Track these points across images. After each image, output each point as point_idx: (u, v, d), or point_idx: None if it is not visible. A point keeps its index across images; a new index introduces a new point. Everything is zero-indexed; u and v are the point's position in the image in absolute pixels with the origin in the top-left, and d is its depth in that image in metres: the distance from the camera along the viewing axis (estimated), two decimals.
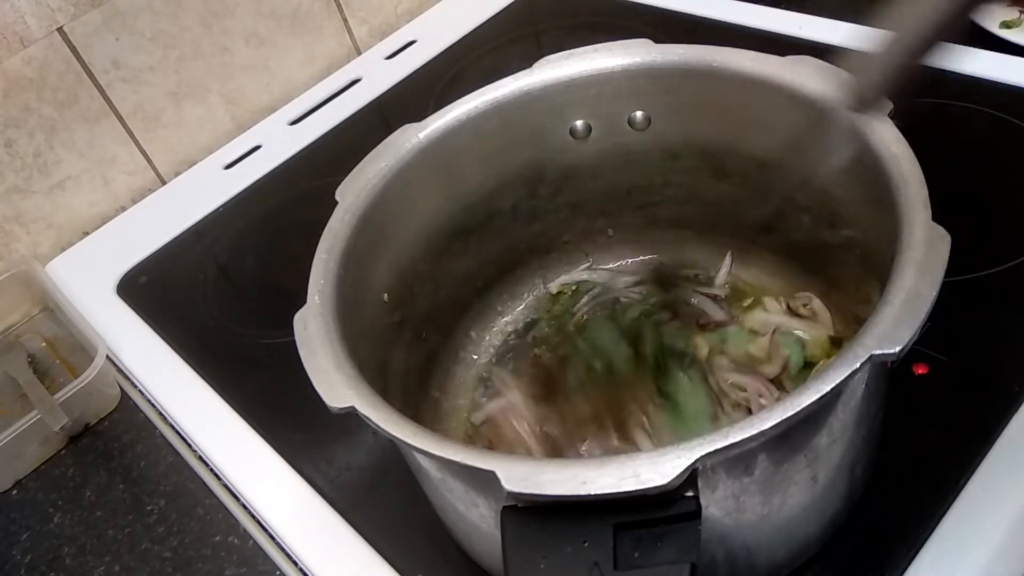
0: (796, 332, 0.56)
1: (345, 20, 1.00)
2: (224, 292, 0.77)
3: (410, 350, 0.56)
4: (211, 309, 0.75)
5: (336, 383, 0.41)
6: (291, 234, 0.79)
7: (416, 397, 0.57)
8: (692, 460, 0.33)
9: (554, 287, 0.65)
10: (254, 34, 0.93)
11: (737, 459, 0.37)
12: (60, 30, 0.80)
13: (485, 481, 0.35)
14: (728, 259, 0.62)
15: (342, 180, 0.52)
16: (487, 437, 0.56)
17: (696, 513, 0.34)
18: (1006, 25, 0.78)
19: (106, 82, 0.84)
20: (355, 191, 0.51)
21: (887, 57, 0.39)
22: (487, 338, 0.63)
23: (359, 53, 1.03)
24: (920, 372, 0.54)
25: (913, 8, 0.37)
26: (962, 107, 0.71)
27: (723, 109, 0.54)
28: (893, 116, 0.44)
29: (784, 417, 0.34)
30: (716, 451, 0.33)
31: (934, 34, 0.38)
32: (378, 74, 0.97)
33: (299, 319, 0.45)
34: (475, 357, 0.62)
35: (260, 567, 0.56)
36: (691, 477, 0.33)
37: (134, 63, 0.86)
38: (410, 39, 1.01)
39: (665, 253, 0.64)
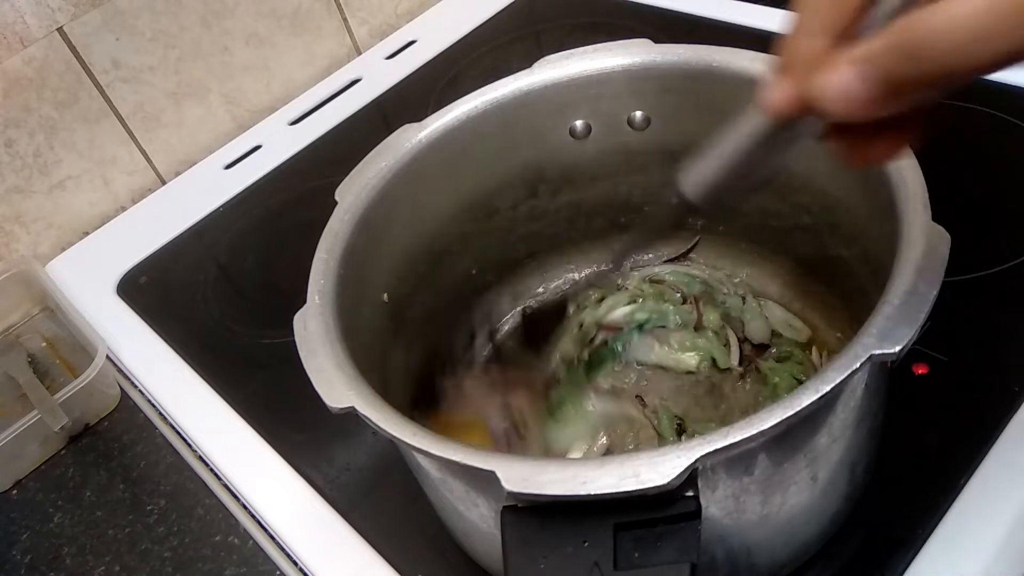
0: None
1: (345, 20, 1.01)
2: (224, 292, 0.77)
3: (410, 350, 0.56)
4: (211, 309, 0.75)
5: (336, 383, 0.41)
6: (291, 234, 0.79)
7: (416, 397, 0.57)
8: (692, 460, 0.33)
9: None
10: (254, 34, 0.93)
11: (737, 459, 0.37)
12: (60, 30, 0.80)
13: (485, 481, 0.35)
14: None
15: (342, 180, 0.52)
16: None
17: (696, 513, 0.34)
18: None
19: (106, 82, 0.84)
20: (355, 191, 0.51)
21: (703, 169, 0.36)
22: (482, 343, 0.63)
23: (359, 53, 1.03)
24: (920, 372, 0.54)
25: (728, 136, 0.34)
26: (962, 107, 0.71)
27: (723, 109, 0.53)
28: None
29: (784, 417, 0.34)
30: (716, 451, 0.33)
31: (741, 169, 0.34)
32: (378, 74, 0.97)
33: (299, 319, 0.45)
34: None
35: (260, 567, 0.56)
36: (691, 477, 0.33)
37: (134, 63, 0.86)
38: (410, 39, 1.01)
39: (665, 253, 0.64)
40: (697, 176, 0.36)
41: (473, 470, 0.35)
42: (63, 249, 0.85)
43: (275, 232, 0.81)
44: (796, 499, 0.41)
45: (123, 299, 0.77)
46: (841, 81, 0.27)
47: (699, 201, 0.37)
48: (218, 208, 0.85)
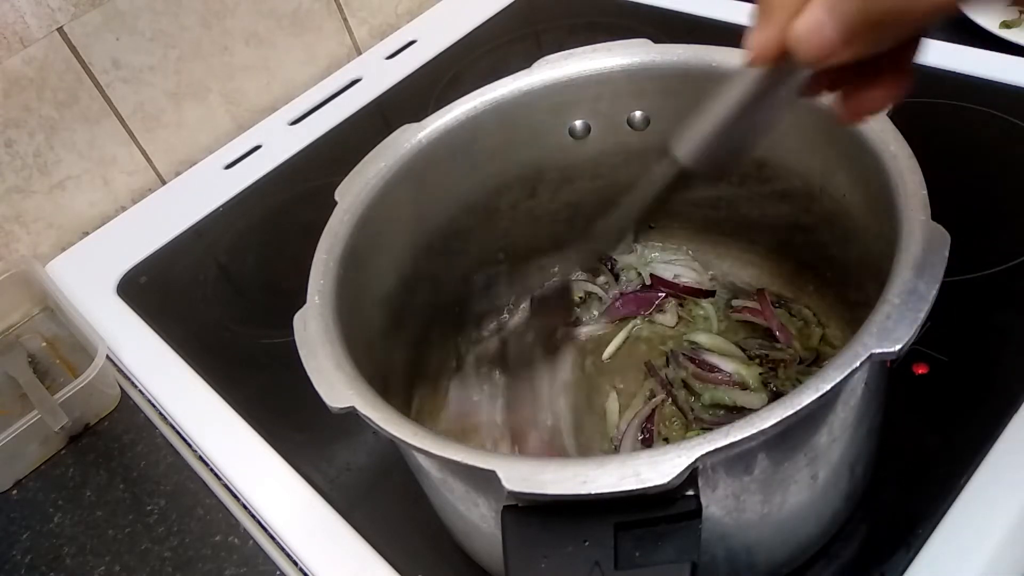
0: None
1: (345, 20, 1.01)
2: (224, 292, 0.77)
3: (410, 350, 0.56)
4: (211, 309, 0.75)
5: (336, 383, 0.41)
6: (291, 234, 0.79)
7: (416, 396, 0.57)
8: (692, 459, 0.33)
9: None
10: (254, 34, 0.93)
11: (737, 458, 0.37)
12: (60, 30, 0.80)
13: (485, 481, 0.35)
14: None
15: (342, 180, 0.52)
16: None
17: (697, 512, 0.34)
18: (1006, 25, 0.78)
19: (106, 82, 0.84)
20: (355, 191, 0.51)
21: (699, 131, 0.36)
22: (488, 337, 0.63)
23: (359, 53, 1.03)
24: (920, 372, 0.54)
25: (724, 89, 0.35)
26: (962, 107, 0.71)
27: None
28: (892, 116, 0.44)
29: (784, 416, 0.34)
30: (716, 450, 0.33)
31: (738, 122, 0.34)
32: (378, 74, 0.97)
33: (299, 319, 0.45)
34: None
35: (260, 567, 0.56)
36: (691, 476, 0.33)
37: (134, 63, 0.86)
38: (410, 39, 1.01)
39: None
40: (691, 140, 0.36)
41: (473, 470, 0.35)
42: (63, 249, 0.86)
43: (275, 232, 0.81)
44: (796, 498, 0.41)
45: (123, 299, 0.77)
46: (812, 21, 0.28)
47: (694, 165, 0.36)
48: (218, 208, 0.85)
